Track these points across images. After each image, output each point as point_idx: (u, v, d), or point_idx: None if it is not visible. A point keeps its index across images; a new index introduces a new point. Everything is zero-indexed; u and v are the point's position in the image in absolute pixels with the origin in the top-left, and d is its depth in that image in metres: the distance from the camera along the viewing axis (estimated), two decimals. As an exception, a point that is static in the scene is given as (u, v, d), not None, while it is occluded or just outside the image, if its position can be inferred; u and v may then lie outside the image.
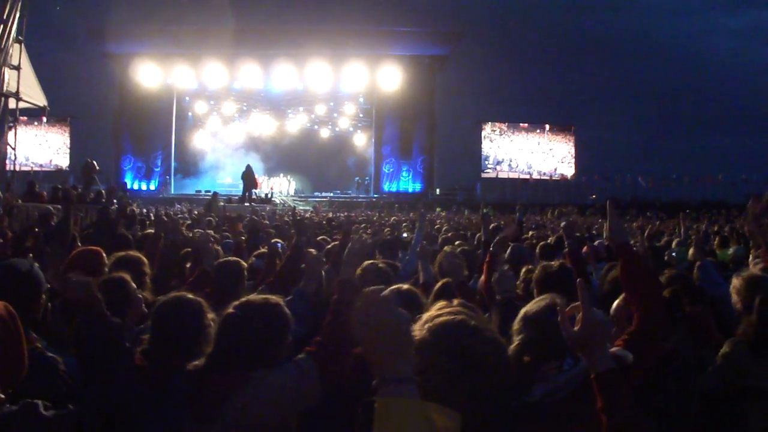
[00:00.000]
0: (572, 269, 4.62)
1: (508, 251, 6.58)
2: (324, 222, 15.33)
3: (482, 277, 5.34)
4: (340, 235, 7.52)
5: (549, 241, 8.42)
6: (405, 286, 3.80)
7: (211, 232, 8.62)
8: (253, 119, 44.63)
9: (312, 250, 5.25)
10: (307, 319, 3.75)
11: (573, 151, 49.19)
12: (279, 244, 6.52)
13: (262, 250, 6.81)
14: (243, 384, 2.70)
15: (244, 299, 3.04)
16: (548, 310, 2.80)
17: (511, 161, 48.42)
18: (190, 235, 7.77)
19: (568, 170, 49.02)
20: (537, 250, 7.49)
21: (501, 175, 48.09)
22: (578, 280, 2.42)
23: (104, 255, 4.87)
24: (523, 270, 5.25)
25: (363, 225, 14.42)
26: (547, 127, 49.47)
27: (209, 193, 30.74)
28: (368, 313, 1.57)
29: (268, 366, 2.81)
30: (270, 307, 2.97)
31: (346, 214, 12.30)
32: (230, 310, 2.94)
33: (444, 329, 1.87)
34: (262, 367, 2.79)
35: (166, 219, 8.41)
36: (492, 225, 8.82)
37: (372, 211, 27.23)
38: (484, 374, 1.79)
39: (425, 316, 1.94)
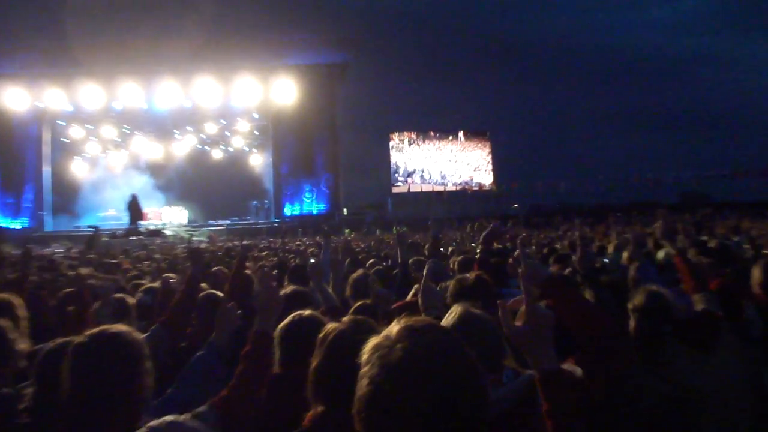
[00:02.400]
0: (489, 281, 4.63)
1: (426, 268, 6.69)
2: (221, 252, 15.36)
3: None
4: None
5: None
6: (306, 312, 3.73)
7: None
8: (137, 143, 43.89)
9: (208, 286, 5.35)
10: (219, 376, 3.60)
11: (489, 158, 50.05)
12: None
13: (150, 284, 6.88)
14: None
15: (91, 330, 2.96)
16: (463, 323, 2.85)
17: (423, 172, 49.05)
18: (71, 274, 7.73)
19: (486, 179, 49.86)
20: (455, 266, 7.33)
21: (413, 188, 48.57)
22: (521, 269, 2.46)
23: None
24: (440, 286, 5.11)
25: (265, 253, 14.54)
26: (461, 134, 50.23)
27: (90, 229, 30.11)
28: None
29: (135, 405, 2.80)
30: (116, 334, 2.90)
31: (241, 242, 12.34)
32: (78, 340, 2.88)
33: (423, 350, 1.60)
34: (126, 407, 2.77)
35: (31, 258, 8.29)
36: (409, 241, 8.94)
37: (274, 237, 27.24)
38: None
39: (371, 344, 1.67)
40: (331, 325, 2.83)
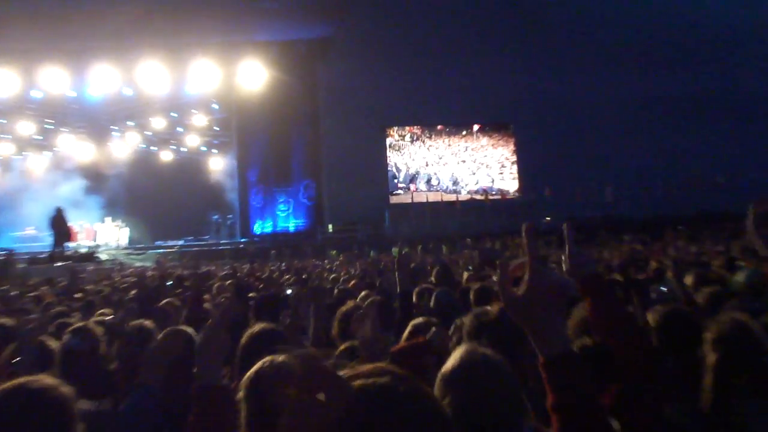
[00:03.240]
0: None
1: (433, 299, 6.73)
2: (171, 282, 15.31)
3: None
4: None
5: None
6: (280, 358, 3.56)
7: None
8: (63, 142, 44.02)
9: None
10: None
11: (514, 158, 50.46)
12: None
13: (81, 323, 6.78)
14: None
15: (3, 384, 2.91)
16: (465, 369, 2.83)
17: (430, 177, 49.22)
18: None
19: (510, 184, 50.20)
20: (472, 296, 7.29)
21: (417, 198, 48.60)
22: (525, 225, 2.28)
23: None
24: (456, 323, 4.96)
25: (229, 282, 14.46)
26: (476, 127, 50.62)
27: (2, 253, 30.23)
28: None
29: None
30: (38, 390, 2.84)
31: (197, 269, 12.29)
32: None
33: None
34: None
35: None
36: (412, 265, 8.88)
37: (239, 262, 27.22)
38: None
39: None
40: None
